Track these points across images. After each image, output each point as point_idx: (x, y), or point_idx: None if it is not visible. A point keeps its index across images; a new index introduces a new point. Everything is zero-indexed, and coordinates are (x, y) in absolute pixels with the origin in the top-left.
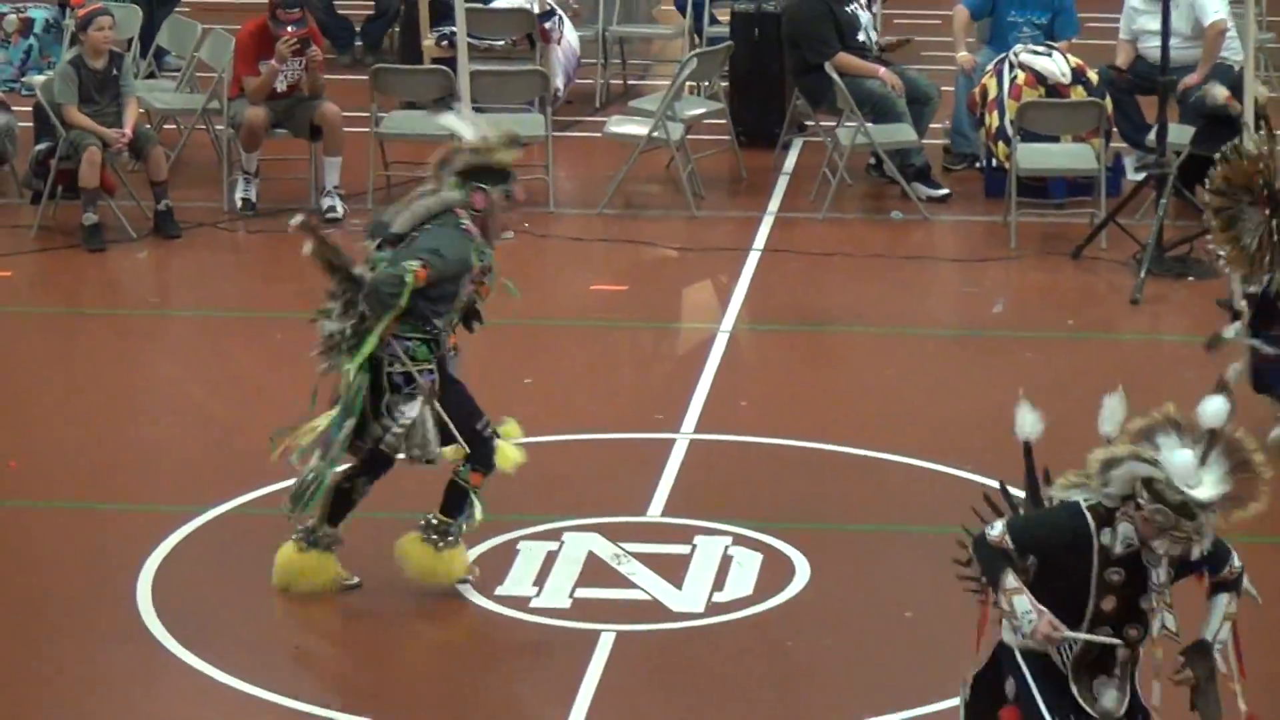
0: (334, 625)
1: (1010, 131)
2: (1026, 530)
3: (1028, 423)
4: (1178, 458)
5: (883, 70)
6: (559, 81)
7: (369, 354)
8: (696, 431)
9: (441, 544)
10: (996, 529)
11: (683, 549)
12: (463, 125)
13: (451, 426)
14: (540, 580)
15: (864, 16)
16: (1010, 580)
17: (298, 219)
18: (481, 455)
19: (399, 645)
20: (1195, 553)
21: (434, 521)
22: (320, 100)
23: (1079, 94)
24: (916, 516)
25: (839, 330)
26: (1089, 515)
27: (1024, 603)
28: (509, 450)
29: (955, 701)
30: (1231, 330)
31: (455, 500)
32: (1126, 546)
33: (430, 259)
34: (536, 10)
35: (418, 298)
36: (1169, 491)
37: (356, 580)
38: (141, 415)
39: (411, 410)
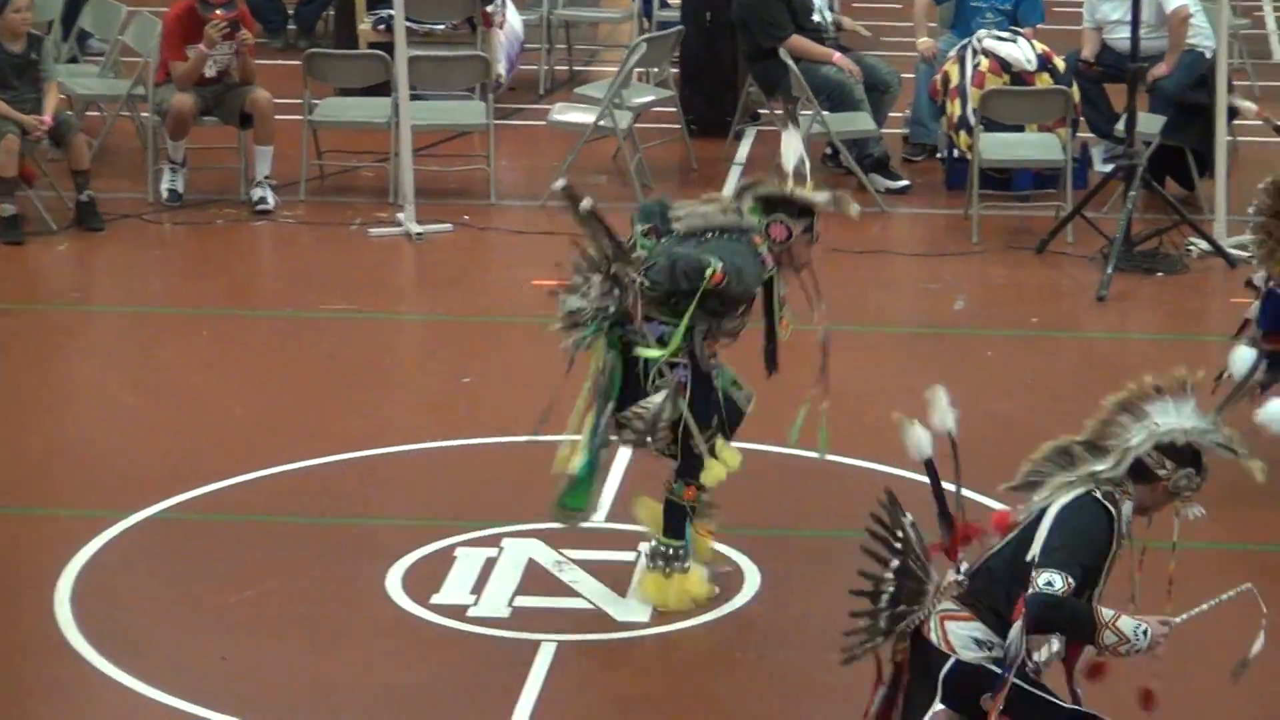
0: (262, 636)
1: (973, 120)
2: (1077, 558)
3: (922, 442)
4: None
5: (837, 55)
6: (501, 67)
7: (675, 349)
8: None
9: (668, 569)
10: (1056, 581)
11: (628, 556)
12: (789, 151)
13: (693, 428)
14: (478, 588)
15: None
16: (1106, 611)
17: (560, 183)
18: (689, 468)
19: (330, 656)
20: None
21: (660, 548)
22: (251, 87)
23: (1045, 81)
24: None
25: (791, 327)
26: (1110, 505)
27: (1129, 620)
28: (718, 467)
29: None
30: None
31: (676, 521)
32: (1126, 525)
33: (730, 270)
34: None
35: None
36: (1219, 451)
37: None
38: (62, 415)
39: (655, 399)
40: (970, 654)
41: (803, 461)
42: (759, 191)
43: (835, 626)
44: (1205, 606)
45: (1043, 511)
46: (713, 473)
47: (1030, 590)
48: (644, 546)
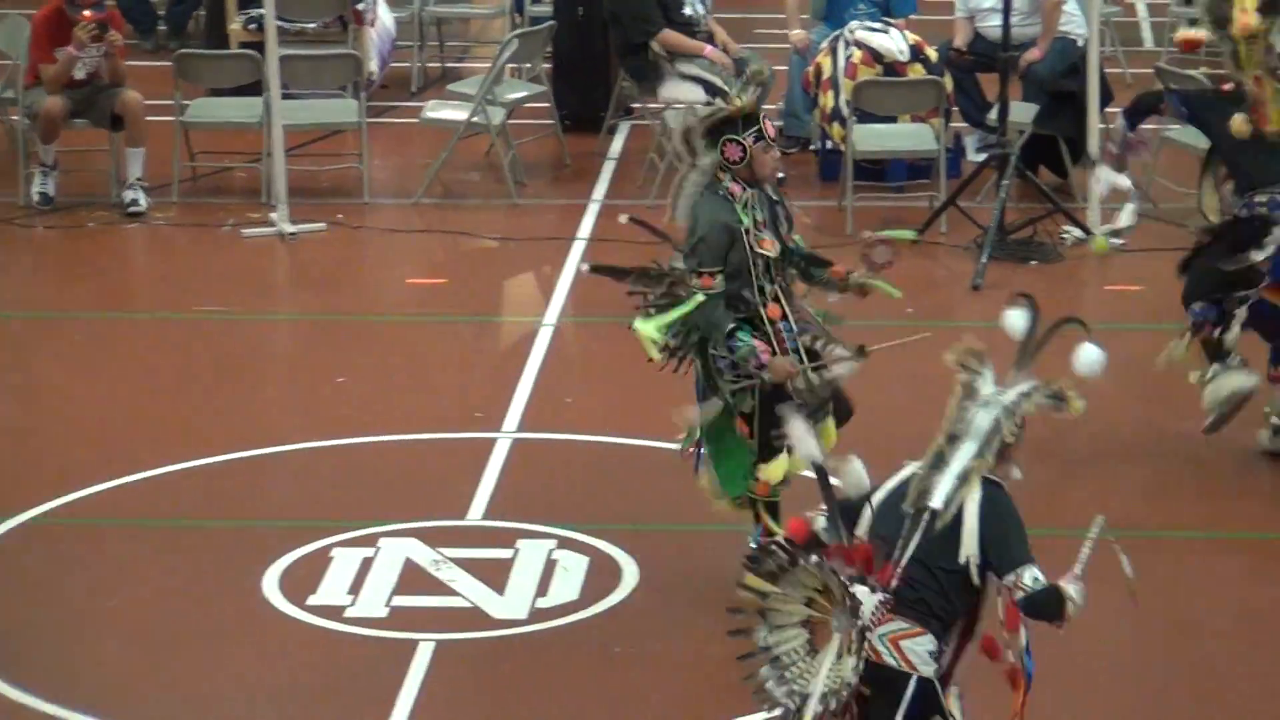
0: (142, 642)
1: (846, 112)
2: (1024, 546)
3: (862, 477)
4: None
5: (709, 49)
6: (373, 65)
7: (668, 322)
8: (519, 430)
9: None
10: (1038, 575)
11: (505, 553)
12: (688, 93)
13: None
14: (355, 589)
15: None
16: (1069, 588)
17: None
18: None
19: (207, 659)
20: None
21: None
22: (121, 88)
23: (917, 72)
24: (747, 515)
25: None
26: (1002, 485)
27: (1071, 587)
28: (777, 468)
29: None
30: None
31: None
32: None
33: (701, 256)
34: None
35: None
36: (1052, 404)
37: None
38: None
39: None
40: (928, 668)
41: (674, 455)
42: (700, 132)
43: (714, 620)
44: (1086, 551)
45: (959, 514)
46: (776, 470)
47: (1022, 594)
48: None
